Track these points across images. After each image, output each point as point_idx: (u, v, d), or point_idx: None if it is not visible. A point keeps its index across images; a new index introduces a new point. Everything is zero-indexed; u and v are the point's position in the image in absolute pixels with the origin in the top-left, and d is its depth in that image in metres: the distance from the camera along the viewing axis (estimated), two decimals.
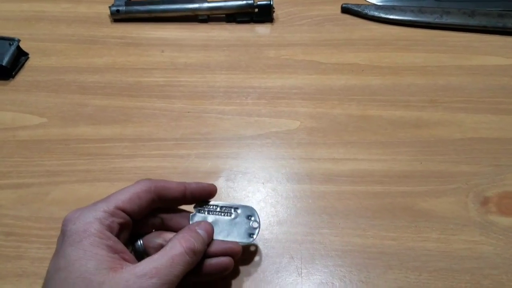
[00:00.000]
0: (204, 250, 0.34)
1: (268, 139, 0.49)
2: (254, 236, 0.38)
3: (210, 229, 0.36)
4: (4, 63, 0.54)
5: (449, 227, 0.42)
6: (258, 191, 0.45)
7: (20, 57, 0.57)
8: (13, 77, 0.55)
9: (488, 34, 0.59)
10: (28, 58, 0.58)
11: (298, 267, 0.40)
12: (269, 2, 0.61)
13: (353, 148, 0.48)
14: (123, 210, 0.32)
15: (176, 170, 0.47)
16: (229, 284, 0.39)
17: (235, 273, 0.39)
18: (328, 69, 0.56)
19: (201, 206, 0.38)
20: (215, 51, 0.59)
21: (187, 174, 0.46)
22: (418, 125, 0.50)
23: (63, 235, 0.30)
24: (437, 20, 0.59)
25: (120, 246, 0.31)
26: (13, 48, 0.55)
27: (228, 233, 0.37)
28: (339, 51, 0.58)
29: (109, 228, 0.31)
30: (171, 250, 0.31)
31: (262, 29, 0.62)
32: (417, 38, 0.59)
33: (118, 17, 0.62)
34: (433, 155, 0.47)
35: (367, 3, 0.63)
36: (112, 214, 0.31)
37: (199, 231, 0.34)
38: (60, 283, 0.28)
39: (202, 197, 0.38)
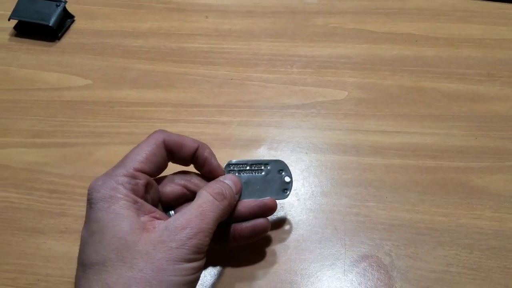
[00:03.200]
0: (235, 199, 0.34)
1: (313, 109, 0.47)
2: (288, 192, 0.37)
3: (236, 180, 0.35)
4: (50, 24, 0.54)
5: (504, 205, 0.40)
6: (301, 161, 0.44)
7: (66, 19, 0.57)
8: (59, 38, 0.55)
9: None
10: (74, 20, 0.58)
11: (341, 239, 0.38)
12: None
13: (404, 120, 0.46)
14: (142, 171, 0.31)
15: (218, 136, 0.46)
16: (272, 250, 0.38)
17: (278, 240, 0.38)
18: (380, 39, 0.53)
19: (230, 166, 0.37)
20: (260, 17, 0.57)
21: (229, 141, 0.45)
22: (474, 99, 0.47)
23: (90, 204, 0.30)
24: None
25: (148, 207, 0.30)
26: (59, 9, 0.55)
27: (262, 191, 0.36)
28: (391, 20, 0.55)
29: (134, 191, 0.30)
30: (199, 200, 0.31)
31: None
32: (475, 10, 0.55)
33: None
34: (489, 131, 0.44)
35: None
36: (133, 177, 0.30)
37: (225, 181, 0.34)
38: (95, 245, 0.28)
39: (206, 171, 0.35)
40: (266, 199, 0.35)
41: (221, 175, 0.35)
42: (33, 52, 0.54)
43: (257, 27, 0.56)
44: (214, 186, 0.32)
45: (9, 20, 0.55)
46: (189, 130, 0.46)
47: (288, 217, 0.40)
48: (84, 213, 0.39)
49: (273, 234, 0.39)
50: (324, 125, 0.46)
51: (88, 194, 0.30)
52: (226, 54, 0.53)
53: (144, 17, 0.58)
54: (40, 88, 0.50)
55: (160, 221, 0.29)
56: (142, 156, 0.32)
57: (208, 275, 0.37)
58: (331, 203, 0.41)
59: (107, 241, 0.28)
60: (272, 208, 0.35)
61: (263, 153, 0.44)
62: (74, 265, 0.34)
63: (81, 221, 0.39)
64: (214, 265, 0.38)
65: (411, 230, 0.38)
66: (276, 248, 0.38)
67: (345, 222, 0.39)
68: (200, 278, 0.36)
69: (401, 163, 0.43)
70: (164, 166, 0.34)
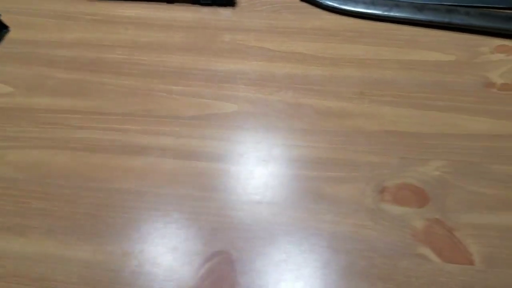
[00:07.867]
0: None
1: (205, 120, 0.54)
2: None
3: None
4: None
5: (342, 211, 0.47)
6: (189, 167, 0.51)
7: (1, 30, 0.63)
8: None
9: (434, 29, 0.61)
10: (9, 31, 0.64)
11: (203, 237, 0.46)
12: None
13: (279, 133, 0.53)
14: None
15: (115, 143, 0.52)
16: None
17: None
18: (276, 57, 0.60)
19: None
20: (175, 31, 0.63)
21: (125, 147, 0.52)
22: (342, 115, 0.54)
23: None
24: (386, 13, 0.61)
25: None
26: None
27: None
28: (290, 39, 0.62)
29: None
30: None
31: (224, 12, 0.66)
32: (364, 30, 0.62)
33: None
34: (347, 145, 0.51)
35: None
36: None
37: None
38: None
39: None
40: None
41: None
42: None
43: (171, 40, 0.62)
44: None
45: None
46: (92, 136, 0.53)
47: None
48: None
49: None
50: (214, 136, 0.53)
51: None
52: (139, 66, 0.60)
53: (72, 28, 0.64)
54: None
55: None
56: None
57: None
58: (199, 206, 0.48)
59: None
60: None
61: (152, 161, 0.51)
62: None
63: None
64: None
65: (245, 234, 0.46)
66: None
67: (212, 222, 0.47)
68: None
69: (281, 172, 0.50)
70: None
